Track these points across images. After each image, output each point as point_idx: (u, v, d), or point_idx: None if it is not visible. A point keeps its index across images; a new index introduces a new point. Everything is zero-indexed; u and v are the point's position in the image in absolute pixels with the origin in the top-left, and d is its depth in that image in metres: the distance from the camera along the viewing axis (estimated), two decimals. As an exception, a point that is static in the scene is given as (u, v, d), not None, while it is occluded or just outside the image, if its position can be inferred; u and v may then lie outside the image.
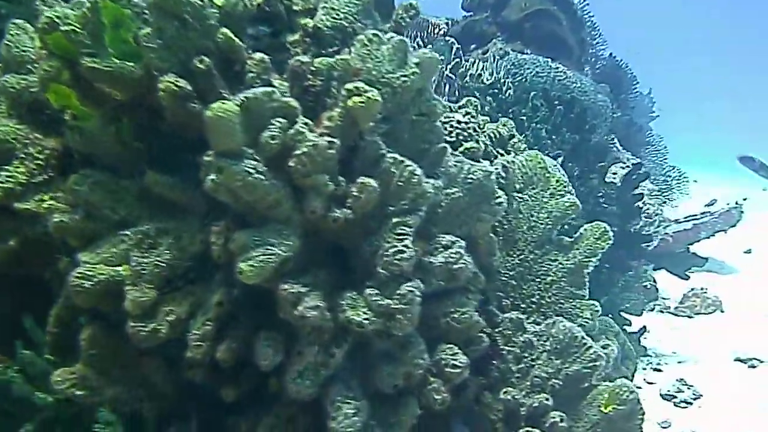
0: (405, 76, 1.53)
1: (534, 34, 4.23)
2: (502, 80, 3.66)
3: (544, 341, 1.73)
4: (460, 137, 1.88)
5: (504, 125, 2.48)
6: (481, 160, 1.75)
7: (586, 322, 1.86)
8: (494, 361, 1.72)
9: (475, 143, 1.88)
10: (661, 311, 4.56)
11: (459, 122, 1.90)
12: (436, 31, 3.80)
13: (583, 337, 1.69)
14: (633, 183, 3.80)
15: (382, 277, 1.35)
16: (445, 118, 1.90)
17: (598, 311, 1.90)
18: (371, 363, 1.41)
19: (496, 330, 1.74)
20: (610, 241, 1.95)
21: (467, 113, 1.94)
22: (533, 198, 1.92)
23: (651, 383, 3.62)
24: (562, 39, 4.26)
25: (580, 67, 4.34)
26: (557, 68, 3.88)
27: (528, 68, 3.81)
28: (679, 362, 3.90)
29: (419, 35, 3.78)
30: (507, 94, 3.62)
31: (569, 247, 1.93)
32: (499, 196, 1.63)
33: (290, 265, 1.31)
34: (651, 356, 4.00)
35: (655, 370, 3.81)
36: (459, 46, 3.75)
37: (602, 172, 3.48)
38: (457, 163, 1.60)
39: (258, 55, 1.42)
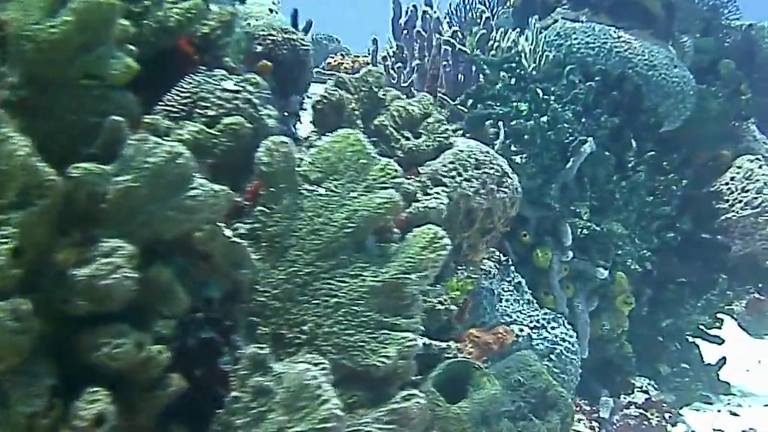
0: (54, 27, 1.15)
1: (602, 1, 3.53)
2: (529, 52, 3.05)
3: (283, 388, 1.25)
4: (221, 111, 1.43)
5: (419, 102, 1.97)
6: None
7: (383, 362, 1.35)
8: (219, 411, 1.27)
9: (247, 120, 1.42)
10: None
11: (225, 90, 1.44)
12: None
13: (318, 387, 1.19)
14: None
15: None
16: (209, 86, 1.46)
17: (411, 347, 1.38)
18: None
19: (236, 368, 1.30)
20: (444, 251, 1.42)
21: (245, 81, 1.48)
22: (332, 192, 1.43)
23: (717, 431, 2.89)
24: (641, 4, 3.52)
25: (667, 37, 3.57)
26: (618, 38, 3.18)
27: (576, 38, 3.16)
28: (766, 405, 3.09)
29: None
30: (531, 69, 3.01)
31: (388, 258, 1.43)
32: (195, 188, 1.18)
33: None
34: (735, 395, 3.21)
35: (732, 413, 3.04)
36: (489, 15, 3.18)
37: (653, 162, 2.79)
38: (137, 141, 1.17)
39: None
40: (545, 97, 2.84)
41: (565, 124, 2.75)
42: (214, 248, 1.31)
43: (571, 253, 2.73)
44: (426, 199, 1.87)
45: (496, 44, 2.99)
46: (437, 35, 3.01)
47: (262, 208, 1.39)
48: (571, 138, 2.75)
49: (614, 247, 2.81)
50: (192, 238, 1.29)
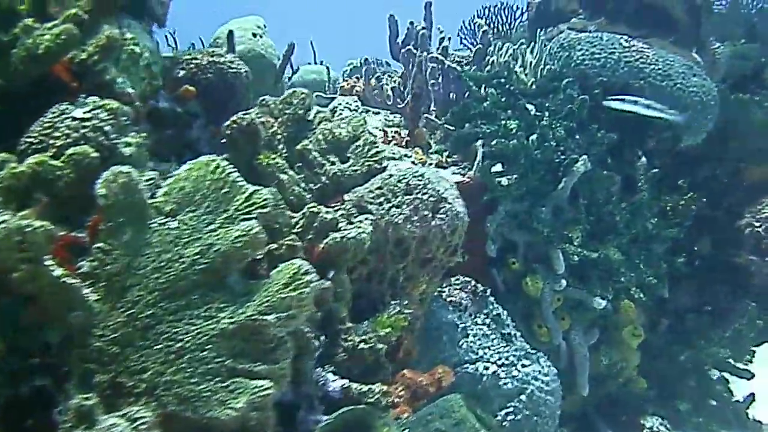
0: None
1: (620, 7, 3.29)
2: (529, 66, 2.87)
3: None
4: (68, 141, 1.33)
5: (349, 124, 1.84)
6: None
7: (228, 414, 1.21)
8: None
9: (94, 149, 1.32)
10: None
11: (75, 119, 1.35)
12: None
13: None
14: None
15: None
16: (62, 115, 1.37)
17: (265, 396, 1.24)
18: None
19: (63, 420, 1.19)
20: (307, 289, 1.28)
21: (99, 108, 1.38)
22: (186, 225, 1.31)
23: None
24: (662, 9, 3.26)
25: (693, 43, 3.30)
26: (629, 47, 2.94)
27: (581, 49, 2.94)
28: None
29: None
30: (530, 83, 2.82)
31: (250, 298, 1.30)
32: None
33: None
34: (768, 434, 2.90)
35: (762, 456, 2.74)
36: (487, 29, 3.01)
37: (663, 180, 2.56)
38: None
39: None
40: (537, 113, 2.65)
41: (555, 142, 2.55)
42: (40, 289, 1.22)
43: (564, 282, 2.51)
44: (347, 229, 1.72)
45: (492, 59, 2.82)
46: (423, 52, 2.85)
47: (101, 244, 1.29)
48: (562, 157, 2.55)
49: (615, 274, 2.57)
50: (10, 279, 1.20)
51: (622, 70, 2.89)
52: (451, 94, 2.88)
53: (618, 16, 3.28)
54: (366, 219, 1.76)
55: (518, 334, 2.36)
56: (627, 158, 2.75)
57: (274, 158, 1.78)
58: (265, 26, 3.07)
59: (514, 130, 2.55)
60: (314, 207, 1.71)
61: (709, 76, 3.29)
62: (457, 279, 2.32)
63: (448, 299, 2.26)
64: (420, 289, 1.89)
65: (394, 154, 2.58)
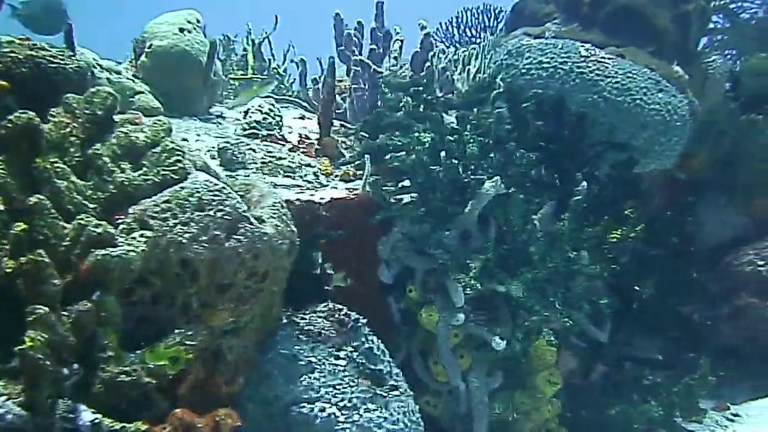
0: None
1: (595, 12, 2.96)
2: (466, 74, 2.59)
3: None
4: None
5: (151, 128, 1.66)
6: None
7: None
8: None
9: None
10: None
11: None
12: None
13: None
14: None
15: None
16: None
17: None
18: None
19: None
20: None
21: None
22: None
23: None
24: (643, 17, 2.90)
25: (678, 55, 2.93)
26: (587, 56, 2.61)
27: (528, 57, 2.63)
28: None
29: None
30: (465, 93, 2.55)
31: None
32: None
33: None
34: None
35: None
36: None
37: (576, 207, 2.27)
38: None
39: None
40: (455, 127, 2.37)
41: (466, 160, 2.27)
42: None
43: (462, 316, 2.23)
44: (118, 246, 1.53)
45: (430, 67, 2.55)
46: (353, 55, 2.62)
47: None
48: (473, 177, 2.27)
49: (527, 311, 2.27)
50: None
51: (573, 81, 2.57)
52: (380, 102, 2.64)
53: (592, 22, 2.96)
54: (142, 236, 1.55)
55: (396, 372, 2.11)
56: (564, 182, 2.43)
57: (53, 162, 1.60)
58: (198, 21, 2.90)
59: (427, 144, 2.29)
60: (83, 219, 1.53)
61: (696, 92, 2.93)
62: (325, 306, 2.09)
63: (306, 328, 2.03)
64: (221, 318, 1.67)
65: (292, 164, 2.38)
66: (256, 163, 2.33)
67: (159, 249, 1.58)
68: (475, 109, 2.44)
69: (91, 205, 1.63)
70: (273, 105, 2.65)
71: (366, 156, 2.24)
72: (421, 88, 2.43)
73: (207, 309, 1.66)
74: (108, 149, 1.67)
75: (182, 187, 1.62)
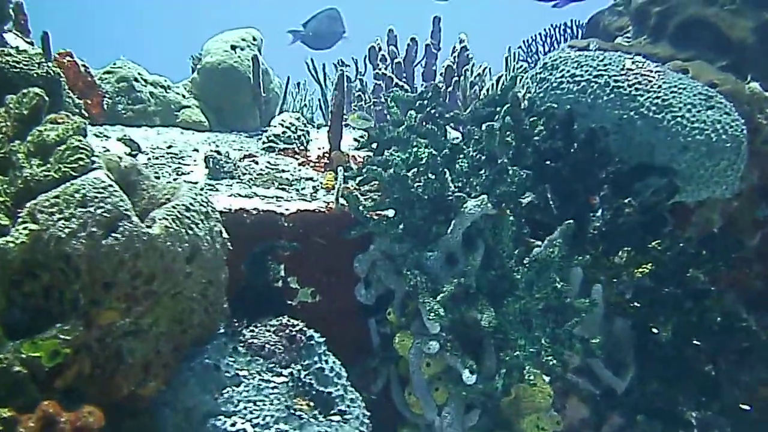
0: None
1: (663, 23, 2.64)
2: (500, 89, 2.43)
3: None
4: None
5: (63, 125, 1.74)
6: None
7: None
8: None
9: None
10: None
11: None
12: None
13: None
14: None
15: None
16: None
17: None
18: None
19: None
20: None
21: None
22: None
23: None
24: (715, 27, 2.55)
25: (757, 70, 2.53)
26: (630, 69, 2.32)
27: (562, 70, 2.40)
28: None
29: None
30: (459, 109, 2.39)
31: None
32: None
33: None
34: None
35: None
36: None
37: (566, 231, 2.09)
38: None
39: None
40: (455, 143, 2.22)
41: (453, 176, 2.12)
42: None
43: (435, 344, 2.07)
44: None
45: (435, 82, 2.44)
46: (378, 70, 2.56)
47: None
48: (458, 194, 2.11)
49: (512, 345, 2.06)
50: None
51: (608, 96, 2.31)
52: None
53: (660, 34, 2.65)
54: (25, 228, 1.60)
55: (352, 398, 2.00)
56: (567, 205, 2.19)
57: (-26, 157, 1.70)
58: (254, 39, 2.96)
59: (424, 159, 2.16)
60: (-22, 210, 1.61)
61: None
62: (278, 320, 2.03)
63: (250, 341, 1.99)
64: (110, 316, 1.66)
65: (291, 177, 2.35)
66: (249, 174, 2.33)
67: (42, 242, 1.61)
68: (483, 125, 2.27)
69: (1, 199, 1.71)
70: (298, 119, 2.64)
71: (339, 169, 2.16)
72: (425, 102, 2.30)
73: (94, 306, 1.67)
74: (24, 146, 1.74)
75: (72, 184, 1.65)
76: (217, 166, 2.25)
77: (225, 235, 1.93)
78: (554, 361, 2.01)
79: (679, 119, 2.24)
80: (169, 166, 2.30)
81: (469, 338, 2.16)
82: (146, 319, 1.73)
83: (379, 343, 2.24)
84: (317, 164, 2.48)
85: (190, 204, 1.78)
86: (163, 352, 1.82)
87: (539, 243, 2.15)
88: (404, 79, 2.66)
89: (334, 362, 2.03)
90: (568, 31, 3.19)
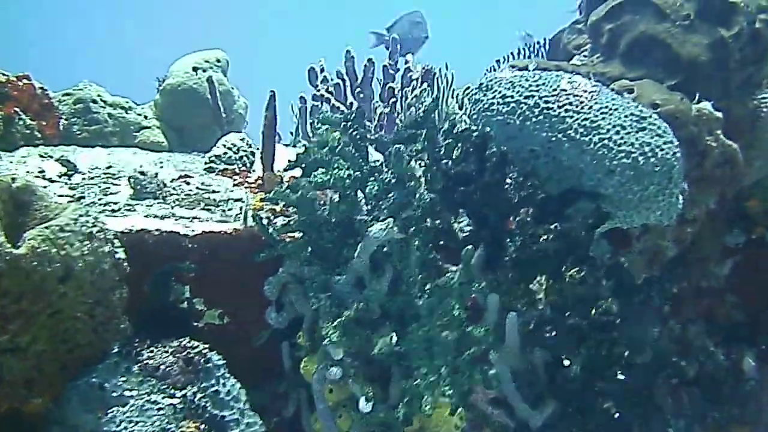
0: None
1: (614, 41, 2.54)
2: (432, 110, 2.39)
3: None
4: None
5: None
6: None
7: None
8: None
9: None
10: None
11: None
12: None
13: None
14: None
15: None
16: None
17: None
18: None
19: None
20: None
21: None
22: None
23: None
24: (664, 45, 2.44)
25: (715, 90, 2.41)
26: (563, 90, 2.25)
27: (495, 91, 2.33)
28: None
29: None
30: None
31: None
32: None
33: None
34: None
35: None
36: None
37: (468, 256, 2.05)
38: None
39: None
40: (373, 165, 2.20)
41: (362, 199, 2.09)
42: None
43: (337, 370, 2.04)
44: None
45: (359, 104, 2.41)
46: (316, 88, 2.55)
47: None
48: (366, 218, 2.08)
49: (408, 371, 2.01)
50: None
51: (536, 118, 2.24)
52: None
53: (612, 53, 2.56)
54: None
55: (249, 422, 1.99)
56: (493, 230, 2.13)
57: None
58: (218, 61, 3.00)
59: (347, 181, 2.15)
60: None
61: (741, 134, 2.41)
62: (178, 342, 2.03)
63: (145, 362, 2.00)
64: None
65: (220, 198, 2.37)
66: (177, 195, 2.35)
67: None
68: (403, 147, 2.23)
69: None
70: (242, 139, 2.65)
71: (246, 191, 2.16)
72: (348, 123, 2.28)
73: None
74: None
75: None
76: (139, 187, 2.28)
77: (121, 255, 1.95)
78: (451, 392, 1.95)
79: (605, 142, 2.15)
80: (99, 187, 2.35)
81: (381, 365, 2.11)
82: (23, 337, 1.76)
83: (290, 366, 2.22)
84: (252, 185, 2.48)
85: (66, 224, 1.81)
86: (47, 370, 1.85)
87: (453, 268, 2.09)
88: (360, 99, 2.64)
89: (232, 386, 2.02)
90: (541, 50, 3.11)
